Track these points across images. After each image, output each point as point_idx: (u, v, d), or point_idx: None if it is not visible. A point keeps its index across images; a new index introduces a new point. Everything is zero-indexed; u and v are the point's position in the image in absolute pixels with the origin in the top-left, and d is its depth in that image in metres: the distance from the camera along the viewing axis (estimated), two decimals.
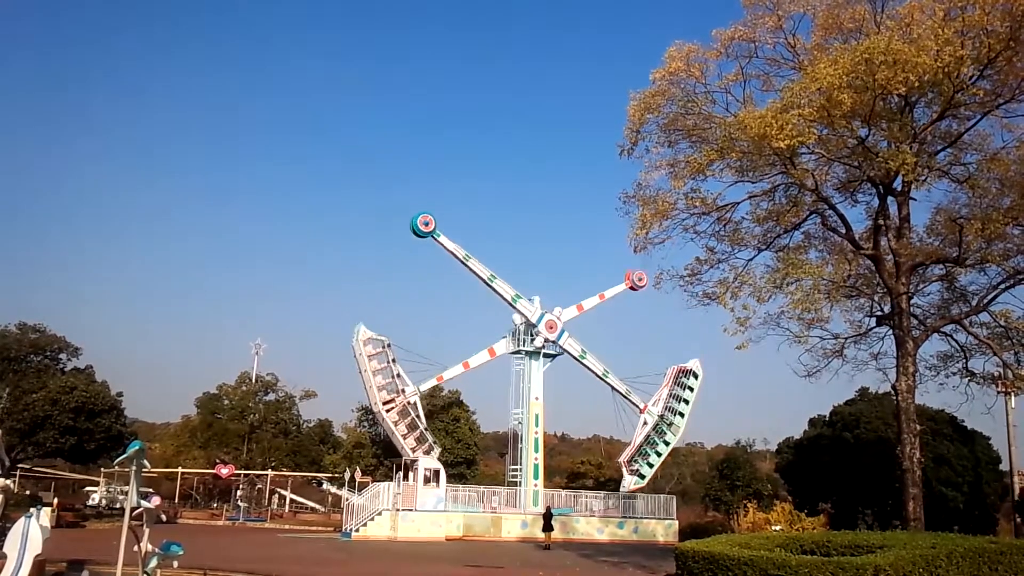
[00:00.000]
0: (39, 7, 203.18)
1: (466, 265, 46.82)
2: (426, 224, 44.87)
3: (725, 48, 25.20)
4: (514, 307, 47.91)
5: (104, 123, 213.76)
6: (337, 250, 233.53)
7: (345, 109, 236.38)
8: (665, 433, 49.60)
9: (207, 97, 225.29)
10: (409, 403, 43.92)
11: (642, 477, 49.06)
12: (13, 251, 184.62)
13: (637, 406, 50.54)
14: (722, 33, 25.08)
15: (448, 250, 46.36)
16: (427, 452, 43.41)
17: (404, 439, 43.25)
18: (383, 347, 43.64)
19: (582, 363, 49.40)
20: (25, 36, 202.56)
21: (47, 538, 13.84)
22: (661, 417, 49.71)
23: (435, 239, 45.65)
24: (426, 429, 44.71)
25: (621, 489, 48.92)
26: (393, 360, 44.05)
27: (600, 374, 49.89)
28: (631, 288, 51.21)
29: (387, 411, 43.12)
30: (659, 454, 49.32)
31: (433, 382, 47.44)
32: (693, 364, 51.28)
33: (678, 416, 49.85)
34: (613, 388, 50.32)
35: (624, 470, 49.66)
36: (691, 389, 50.56)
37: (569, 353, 48.90)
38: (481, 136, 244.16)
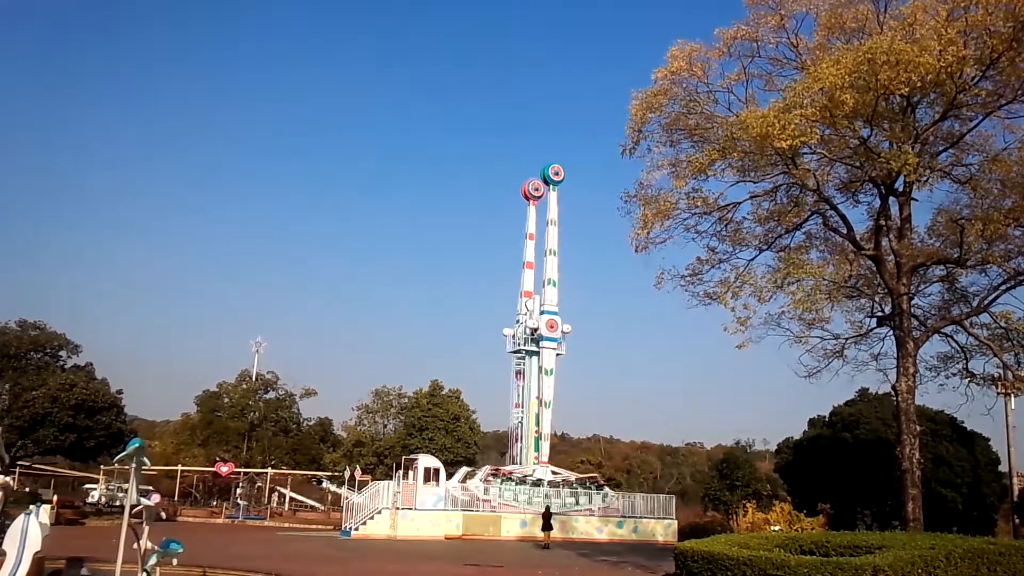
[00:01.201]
0: (43, 12, 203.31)
1: (547, 226, 49.33)
2: (556, 174, 48.63)
3: (727, 47, 25.17)
4: (544, 288, 48.72)
5: (108, 124, 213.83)
6: (337, 249, 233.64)
7: (345, 112, 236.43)
8: (533, 494, 45.65)
9: (209, 100, 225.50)
10: (505, 474, 45.36)
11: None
12: (15, 248, 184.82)
13: (538, 454, 47.81)
14: (724, 32, 25.06)
15: (551, 207, 49.47)
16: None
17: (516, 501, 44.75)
18: (441, 473, 43.07)
19: (541, 375, 47.65)
20: (36, 41, 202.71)
21: (46, 535, 13.85)
22: (547, 483, 46.54)
23: (551, 190, 49.05)
24: (524, 482, 45.78)
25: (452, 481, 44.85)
26: (472, 475, 45.55)
27: (541, 400, 47.46)
28: (532, 200, 49.51)
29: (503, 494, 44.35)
30: (514, 497, 45.12)
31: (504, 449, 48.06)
32: (607, 486, 49.73)
33: (553, 494, 45.99)
34: (538, 420, 47.90)
35: (484, 471, 46.23)
36: (587, 497, 46.67)
37: (542, 360, 47.40)
38: (480, 138, 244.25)
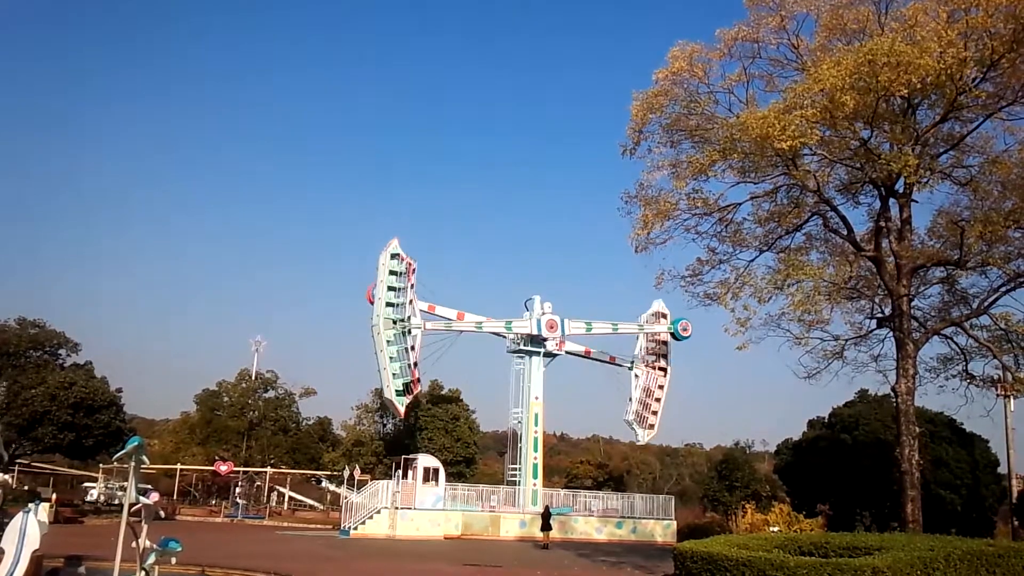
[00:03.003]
0: (45, 9, 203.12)
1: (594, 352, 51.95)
2: (684, 330, 50.65)
3: (728, 48, 25.23)
4: (575, 319, 49.06)
5: (110, 123, 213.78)
6: (337, 248, 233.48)
7: (344, 113, 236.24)
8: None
9: (207, 101, 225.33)
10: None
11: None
12: (15, 246, 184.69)
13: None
14: (726, 33, 25.09)
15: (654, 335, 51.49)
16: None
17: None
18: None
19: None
20: (40, 39, 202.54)
21: (45, 533, 13.83)
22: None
23: (680, 340, 51.28)
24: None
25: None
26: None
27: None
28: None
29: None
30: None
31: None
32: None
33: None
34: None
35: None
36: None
37: (512, 326, 47.58)
38: (480, 137, 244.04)
